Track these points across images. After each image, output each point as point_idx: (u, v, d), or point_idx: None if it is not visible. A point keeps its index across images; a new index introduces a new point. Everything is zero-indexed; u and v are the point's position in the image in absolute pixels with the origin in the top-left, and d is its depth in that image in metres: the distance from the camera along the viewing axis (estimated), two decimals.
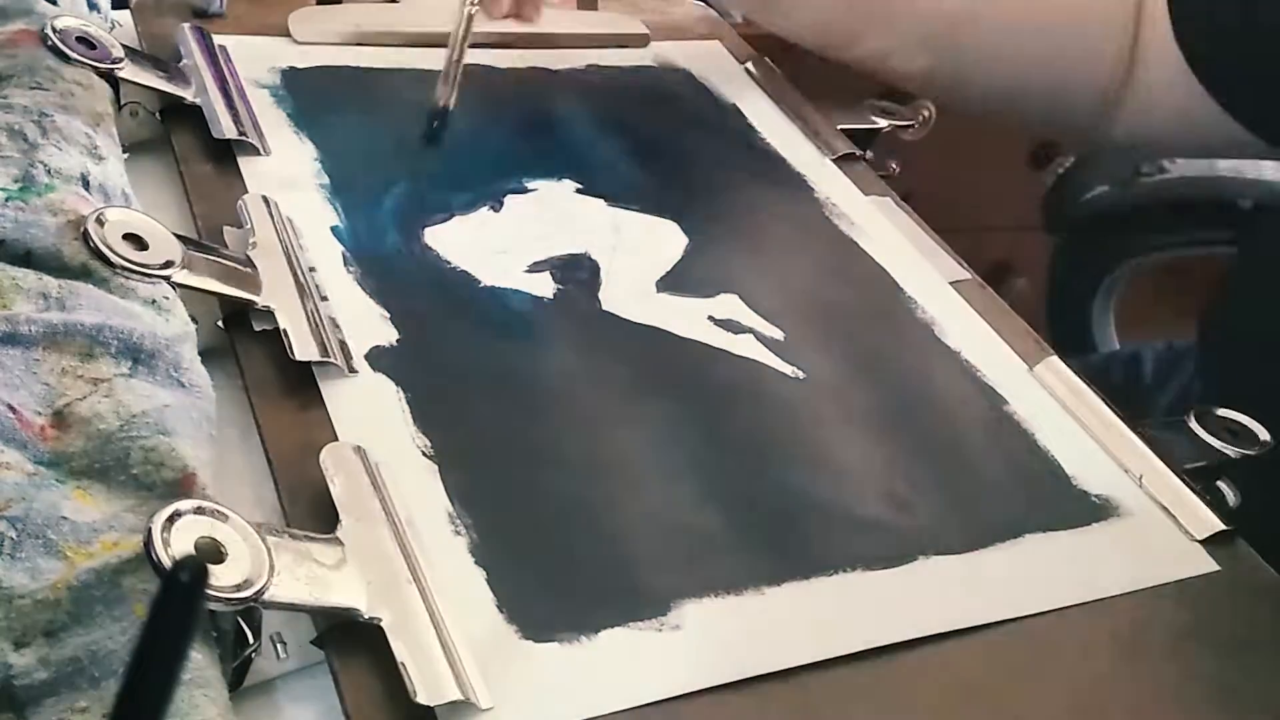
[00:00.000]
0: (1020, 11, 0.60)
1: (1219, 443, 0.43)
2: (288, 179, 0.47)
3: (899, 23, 0.60)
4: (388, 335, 0.41)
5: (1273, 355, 0.54)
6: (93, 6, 0.53)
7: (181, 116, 0.48)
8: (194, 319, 0.38)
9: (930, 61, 0.61)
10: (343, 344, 0.40)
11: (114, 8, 0.55)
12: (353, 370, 0.39)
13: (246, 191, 0.45)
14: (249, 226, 0.43)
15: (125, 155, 0.45)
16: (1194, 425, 0.44)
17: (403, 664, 0.30)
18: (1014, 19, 0.60)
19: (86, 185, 0.40)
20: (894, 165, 0.58)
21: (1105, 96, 0.61)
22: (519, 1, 0.58)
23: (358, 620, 0.30)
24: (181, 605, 0.20)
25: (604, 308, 0.45)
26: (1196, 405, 0.45)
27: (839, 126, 0.60)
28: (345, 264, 0.43)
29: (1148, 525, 0.41)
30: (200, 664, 0.28)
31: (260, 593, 0.29)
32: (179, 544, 0.28)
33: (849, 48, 0.61)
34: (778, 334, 0.46)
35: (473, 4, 0.49)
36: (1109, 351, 0.82)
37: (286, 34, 0.56)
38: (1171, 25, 0.57)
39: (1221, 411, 0.44)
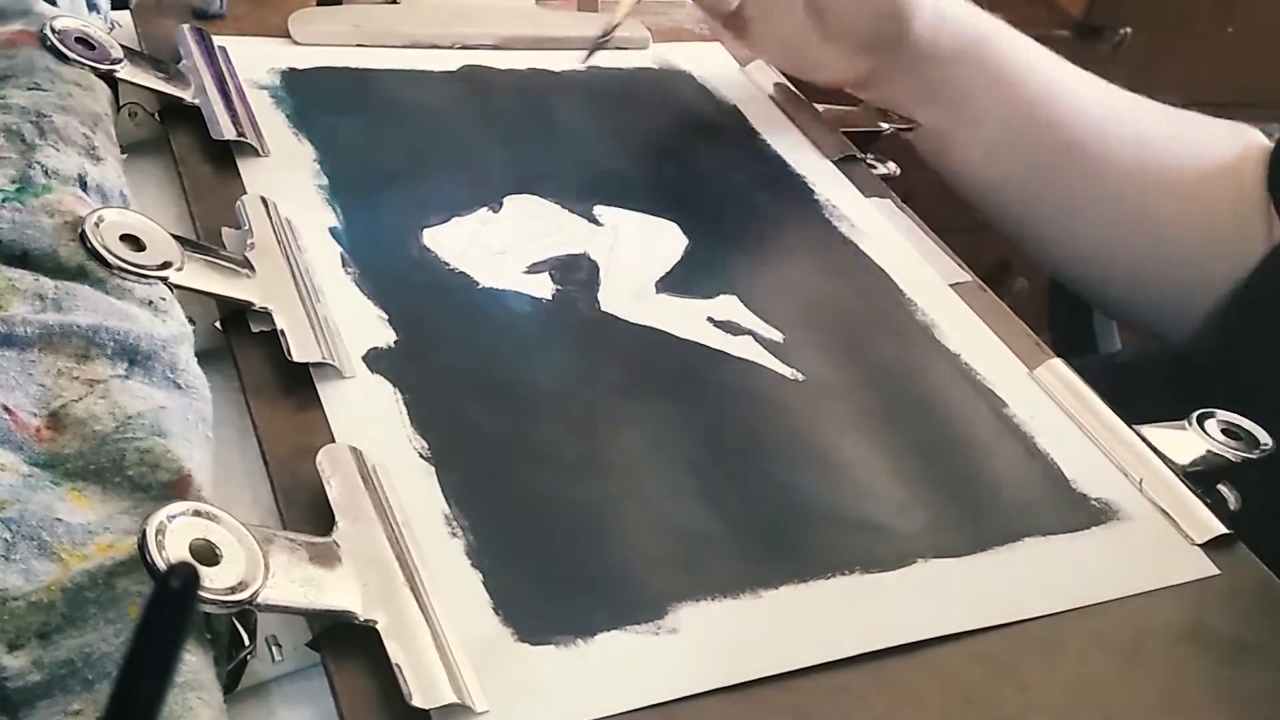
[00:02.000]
0: (1163, 182, 0.58)
1: (1220, 446, 0.43)
2: (286, 180, 0.47)
3: (1046, 149, 0.59)
4: (386, 336, 0.41)
5: (1271, 358, 0.54)
6: (92, 7, 0.53)
7: (180, 117, 0.48)
8: (191, 320, 0.38)
9: (1010, 170, 0.59)
10: (340, 345, 0.40)
11: (114, 8, 0.55)
12: (350, 372, 0.39)
13: (245, 192, 0.45)
14: (247, 227, 0.43)
15: (124, 156, 0.45)
16: (1195, 428, 0.44)
17: (398, 666, 0.30)
18: (1143, 193, 0.58)
19: (84, 186, 0.40)
20: (894, 167, 0.58)
21: (1200, 317, 0.58)
22: None
23: (353, 622, 0.30)
24: (173, 611, 0.20)
25: (603, 309, 0.45)
26: (1197, 408, 0.45)
27: (840, 129, 0.60)
28: (344, 265, 0.43)
29: (1148, 529, 0.41)
30: (195, 666, 0.28)
31: (255, 595, 0.29)
32: (173, 546, 0.28)
33: (995, 164, 0.60)
34: (777, 336, 0.45)
35: None
36: (1111, 351, 0.82)
37: (286, 35, 0.56)
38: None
39: (1222, 415, 0.44)
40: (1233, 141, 0.60)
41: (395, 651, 0.30)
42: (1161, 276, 0.60)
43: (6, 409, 0.31)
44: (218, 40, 0.53)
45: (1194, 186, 0.58)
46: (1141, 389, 0.72)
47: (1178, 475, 0.42)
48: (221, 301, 0.39)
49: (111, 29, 0.54)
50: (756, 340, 0.45)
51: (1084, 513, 0.41)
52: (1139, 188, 0.58)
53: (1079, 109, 0.58)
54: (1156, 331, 0.63)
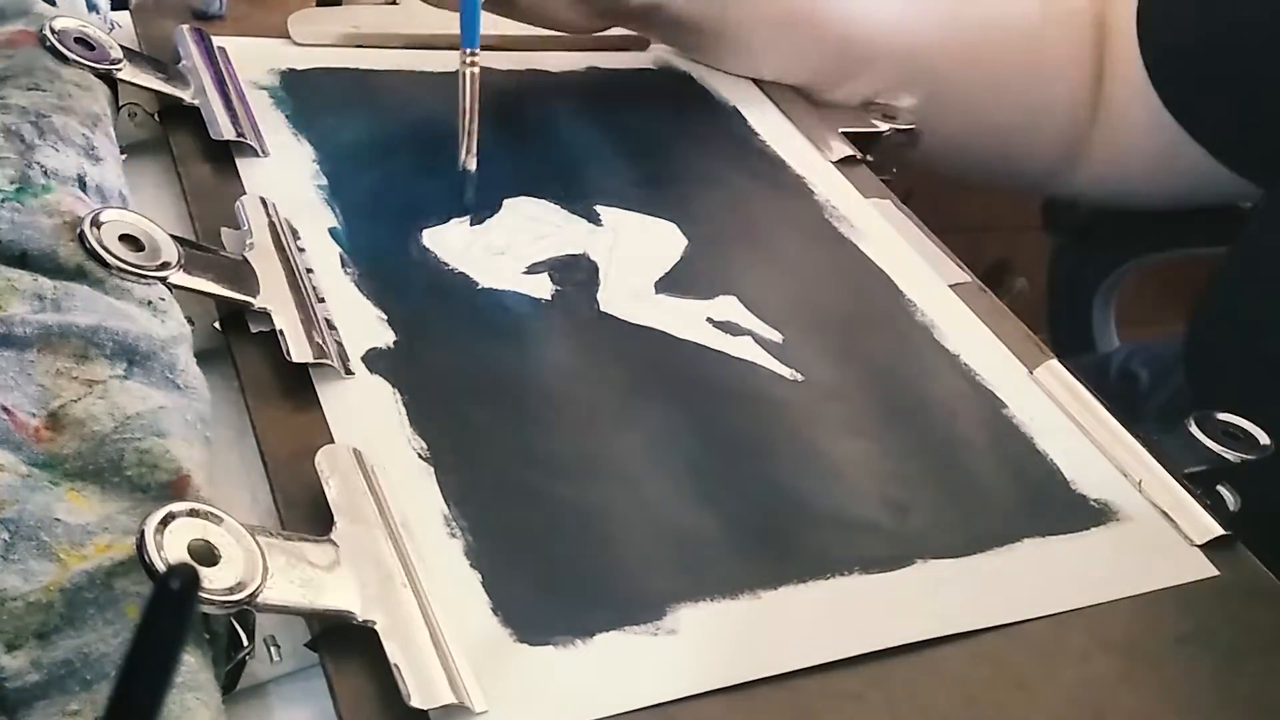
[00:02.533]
0: (984, 45, 0.60)
1: (1219, 447, 0.43)
2: (286, 180, 0.47)
3: (880, 63, 0.60)
4: (385, 337, 0.41)
5: (1267, 357, 0.54)
6: (92, 7, 0.53)
7: (180, 118, 0.48)
8: (190, 320, 0.38)
9: (915, 99, 0.61)
10: (340, 346, 0.40)
11: (113, 9, 0.55)
12: (349, 372, 0.39)
13: (244, 193, 0.45)
14: (246, 228, 0.43)
15: (123, 156, 0.45)
16: (1194, 429, 0.44)
17: (396, 667, 0.30)
18: (978, 52, 0.60)
19: (83, 186, 0.40)
20: (894, 169, 0.58)
21: (1071, 141, 0.61)
22: None
23: (352, 623, 0.30)
24: (173, 612, 0.20)
25: (602, 309, 0.45)
26: (1197, 409, 0.45)
27: (840, 130, 0.60)
28: (343, 265, 0.43)
29: (1147, 530, 0.41)
30: (193, 667, 0.28)
31: (254, 595, 0.29)
32: (172, 546, 0.28)
33: (836, 89, 0.61)
34: (776, 336, 0.45)
35: (471, 62, 0.46)
36: (1109, 351, 0.82)
37: (286, 35, 0.56)
38: (1142, 57, 0.57)
39: (1222, 415, 0.44)
40: None
41: (394, 652, 0.30)
42: (992, 129, 0.63)
43: (5, 409, 0.31)
44: (217, 41, 0.53)
45: (1003, 59, 0.60)
46: (1141, 388, 0.72)
47: (1177, 476, 0.42)
48: (220, 302, 0.39)
49: (111, 29, 0.54)
50: (756, 341, 0.45)
51: (1083, 513, 0.41)
52: (937, 59, 0.60)
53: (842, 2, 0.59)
54: (1029, 184, 0.67)
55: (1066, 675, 0.35)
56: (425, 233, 0.46)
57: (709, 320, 0.46)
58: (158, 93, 0.48)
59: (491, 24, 0.60)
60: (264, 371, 0.38)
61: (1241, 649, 0.37)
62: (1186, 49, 0.57)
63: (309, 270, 0.42)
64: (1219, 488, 0.43)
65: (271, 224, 0.43)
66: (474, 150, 0.47)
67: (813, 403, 0.43)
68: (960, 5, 0.60)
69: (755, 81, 0.62)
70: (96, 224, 0.37)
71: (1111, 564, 0.39)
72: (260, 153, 0.48)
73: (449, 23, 0.52)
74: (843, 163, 0.57)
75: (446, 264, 0.45)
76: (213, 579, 0.28)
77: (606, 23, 0.58)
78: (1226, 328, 0.57)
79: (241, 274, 0.40)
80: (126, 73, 0.47)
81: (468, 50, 0.47)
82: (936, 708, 0.34)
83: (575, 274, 0.46)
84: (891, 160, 0.60)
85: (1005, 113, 0.62)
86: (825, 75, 0.61)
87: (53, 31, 0.45)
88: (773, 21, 0.59)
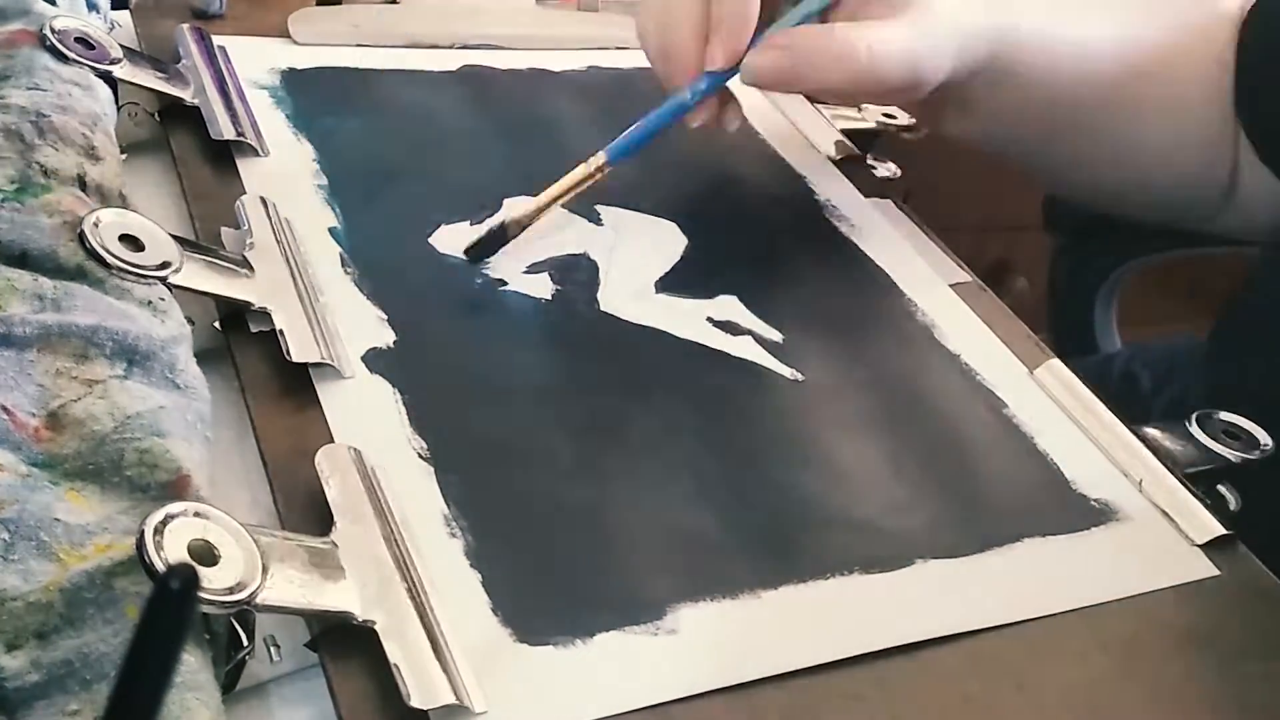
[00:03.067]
0: (1156, 104, 0.58)
1: (1220, 446, 0.43)
2: (286, 180, 0.47)
3: (1058, 113, 0.57)
4: (385, 337, 0.41)
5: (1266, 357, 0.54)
6: (92, 7, 0.53)
7: (180, 117, 0.48)
8: (190, 320, 0.38)
9: (1071, 150, 0.59)
10: (339, 346, 0.40)
11: (113, 8, 0.55)
12: (349, 372, 0.39)
13: (244, 193, 0.45)
14: (246, 228, 0.43)
15: (123, 156, 0.44)
16: (1195, 429, 0.44)
17: (396, 667, 0.30)
18: (1151, 112, 0.58)
19: (83, 186, 0.40)
20: (894, 168, 0.58)
21: (1220, 193, 0.59)
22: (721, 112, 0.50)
23: (352, 623, 0.30)
24: (173, 612, 0.20)
25: (602, 309, 0.45)
26: (1198, 408, 0.45)
27: (839, 128, 0.60)
28: (343, 265, 0.43)
29: (1148, 529, 0.41)
30: (193, 667, 0.28)
31: (253, 595, 0.29)
32: (172, 546, 0.28)
33: (1006, 140, 0.59)
34: (776, 336, 0.45)
35: (601, 169, 0.45)
36: (1111, 352, 0.82)
37: (286, 35, 0.56)
38: (1235, 103, 0.56)
39: (1223, 415, 0.44)
40: (1194, 10, 0.59)
41: (393, 652, 0.30)
42: (1151, 181, 0.61)
43: (5, 409, 0.31)
44: (217, 40, 0.53)
45: (1169, 89, 0.58)
46: (1142, 388, 0.72)
47: (1177, 476, 0.42)
48: (220, 302, 0.39)
49: (111, 29, 0.54)
50: (756, 340, 0.45)
51: (1084, 513, 0.41)
52: (1126, 118, 0.58)
53: (1086, 78, 0.56)
54: (1182, 224, 0.64)
55: (1066, 675, 0.35)
56: (426, 232, 0.46)
57: (709, 320, 0.46)
58: (158, 92, 0.48)
59: (492, 24, 0.60)
60: (264, 371, 0.38)
61: (1242, 649, 0.37)
62: (1270, 94, 0.56)
63: (309, 270, 0.42)
64: (1220, 487, 0.43)
65: (272, 224, 0.43)
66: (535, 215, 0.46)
67: (813, 402, 0.43)
68: (1151, 42, 0.57)
69: None
70: (96, 224, 0.37)
71: (1112, 564, 0.39)
72: (260, 152, 0.48)
73: (449, 22, 0.52)
74: (843, 162, 0.57)
75: (447, 263, 0.45)
76: (212, 579, 0.28)
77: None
78: (1255, 326, 0.56)
79: (241, 274, 0.40)
80: (126, 72, 0.47)
81: (605, 160, 0.46)
82: (936, 708, 0.34)
83: (576, 273, 0.46)
84: (890, 156, 0.60)
85: (1181, 152, 0.59)
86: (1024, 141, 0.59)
87: (53, 31, 0.45)
88: (1030, 86, 0.55)
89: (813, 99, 0.61)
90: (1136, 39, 0.57)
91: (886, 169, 0.58)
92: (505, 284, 0.45)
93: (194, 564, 0.28)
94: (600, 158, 0.46)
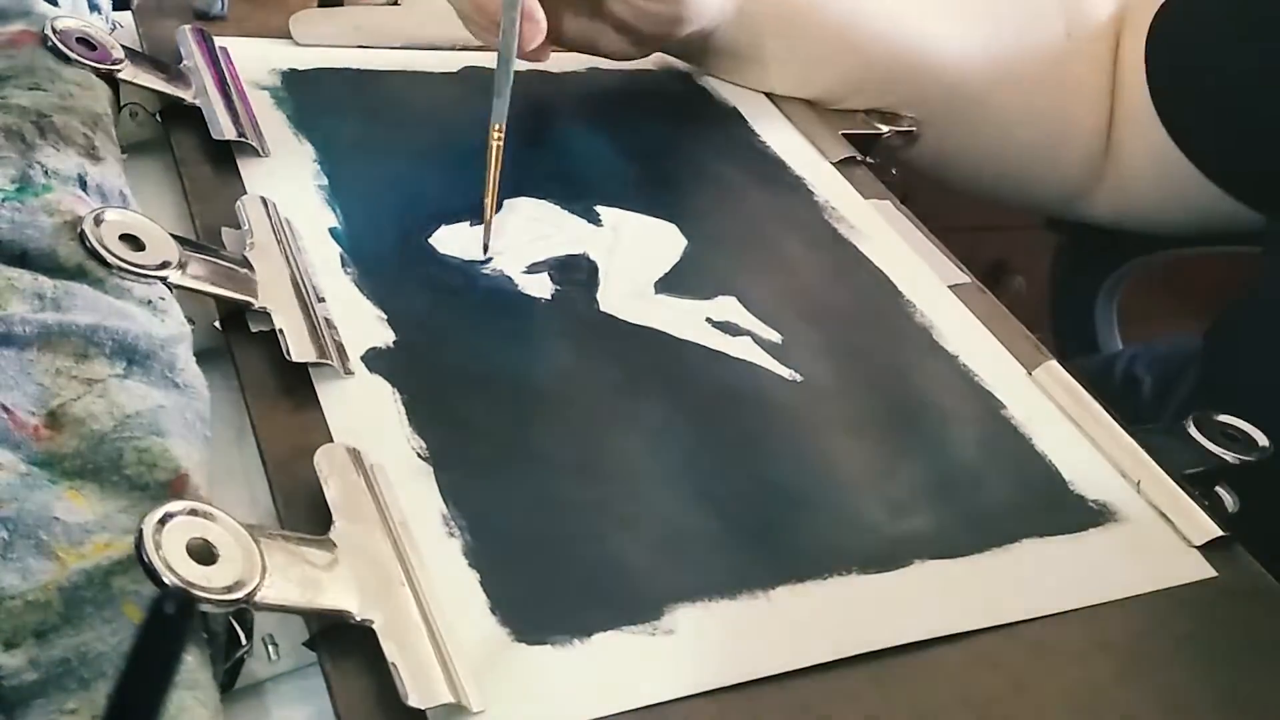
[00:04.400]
0: (1004, 77, 0.60)
1: (1218, 448, 0.43)
2: (287, 180, 0.47)
3: (910, 81, 0.60)
4: (384, 337, 0.41)
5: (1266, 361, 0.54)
6: (94, 8, 0.53)
7: (181, 118, 0.49)
8: (190, 320, 0.38)
9: (925, 119, 0.61)
10: (339, 345, 0.40)
11: (115, 9, 0.55)
12: (349, 372, 0.39)
13: (245, 193, 0.45)
14: (247, 228, 0.43)
15: (124, 156, 0.45)
16: (1193, 430, 0.44)
17: (394, 666, 0.30)
18: (999, 84, 0.60)
19: (84, 186, 0.40)
20: (893, 171, 0.58)
21: (1088, 166, 0.62)
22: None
23: (350, 622, 0.30)
24: (168, 635, 0.20)
25: (602, 309, 0.45)
26: (1197, 410, 0.45)
27: (840, 131, 0.60)
28: (343, 265, 0.44)
29: (1145, 531, 0.41)
30: (191, 666, 0.28)
31: (252, 594, 0.29)
32: (170, 545, 0.28)
33: (844, 101, 0.61)
34: (775, 337, 0.45)
35: (499, 135, 0.46)
36: (1112, 353, 0.82)
37: (287, 36, 0.56)
38: (1149, 89, 0.58)
39: (1221, 417, 0.44)
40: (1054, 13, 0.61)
41: (392, 651, 0.30)
42: (1011, 151, 0.64)
43: (5, 408, 0.31)
44: (219, 41, 0.53)
45: (1010, 58, 0.61)
46: (1143, 389, 0.72)
47: (1175, 477, 0.42)
48: (220, 301, 0.39)
49: (113, 29, 0.54)
50: (755, 341, 0.45)
51: (1082, 514, 0.41)
52: (951, 77, 0.60)
53: (873, 26, 0.59)
54: (1047, 208, 0.68)
55: (1064, 676, 0.35)
56: (426, 232, 0.46)
57: (708, 320, 0.46)
58: (159, 93, 0.48)
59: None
60: (264, 371, 0.38)
61: (1239, 650, 0.37)
62: (1191, 85, 0.57)
63: (309, 270, 0.42)
64: (1218, 489, 0.43)
65: (272, 224, 0.43)
66: (493, 208, 0.46)
67: (812, 403, 0.43)
68: (992, 26, 0.61)
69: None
70: (97, 223, 0.38)
71: (1110, 565, 0.39)
72: (261, 153, 0.48)
73: (450, 23, 0.52)
74: (843, 163, 0.57)
75: (446, 264, 0.45)
76: (211, 578, 0.28)
77: (649, 50, 0.59)
78: (1257, 327, 0.57)
79: (242, 273, 0.40)
80: (128, 73, 0.47)
81: (496, 125, 0.46)
82: (935, 708, 0.34)
83: (575, 274, 0.46)
84: (891, 161, 0.60)
85: (1030, 136, 0.63)
86: (855, 92, 0.61)
87: (54, 31, 0.45)
88: (812, 45, 0.59)
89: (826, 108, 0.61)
90: (977, 21, 0.60)
91: (886, 172, 0.58)
92: (505, 284, 0.45)
93: (189, 585, 0.28)
94: (495, 127, 0.47)
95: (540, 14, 0.49)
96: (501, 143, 0.46)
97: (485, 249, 0.46)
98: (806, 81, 0.60)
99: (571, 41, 0.56)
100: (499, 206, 0.48)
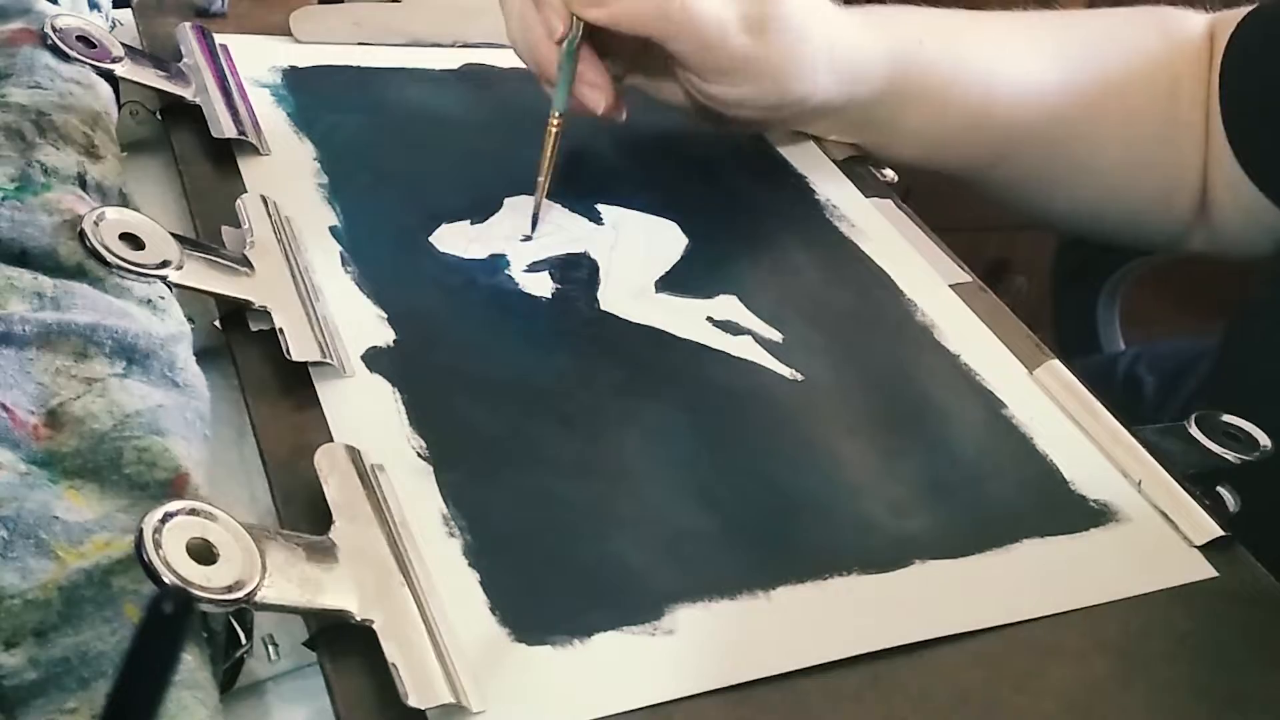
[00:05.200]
0: (1115, 125, 0.59)
1: (1219, 448, 0.43)
2: (287, 179, 0.47)
3: (997, 135, 0.59)
4: (385, 336, 0.41)
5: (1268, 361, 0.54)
6: (93, 5, 0.53)
7: (181, 116, 0.48)
8: (190, 319, 0.38)
9: (1020, 174, 0.61)
10: (339, 344, 0.40)
11: (115, 6, 0.55)
12: (349, 371, 0.39)
13: (245, 191, 0.45)
14: (247, 226, 0.43)
15: (124, 154, 0.45)
16: (1194, 430, 0.44)
17: (394, 666, 0.30)
18: (1109, 133, 0.59)
19: (84, 185, 0.40)
20: (892, 174, 0.58)
21: (1190, 211, 0.60)
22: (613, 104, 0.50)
23: (350, 622, 0.30)
24: (166, 635, 0.20)
25: (603, 308, 0.45)
26: (1198, 410, 0.45)
27: None
28: (343, 264, 0.43)
29: (1146, 531, 0.41)
30: (191, 665, 0.28)
31: (252, 594, 0.29)
32: (170, 545, 0.28)
33: (937, 159, 0.60)
34: (776, 336, 0.45)
35: (556, 121, 0.47)
36: (1114, 352, 0.82)
37: (288, 33, 0.56)
38: (1224, 125, 0.57)
39: (1223, 416, 0.44)
40: (1154, 44, 0.60)
41: (391, 651, 0.30)
42: (1106, 212, 0.63)
43: (4, 407, 0.31)
44: (219, 38, 0.53)
45: (1122, 119, 0.60)
46: (1144, 389, 0.72)
47: (1176, 477, 0.42)
48: (220, 300, 0.39)
49: (113, 27, 0.54)
50: (756, 340, 0.45)
51: (1082, 514, 0.41)
52: (1073, 144, 0.59)
53: (1011, 100, 0.58)
54: (1151, 246, 0.68)
55: (1064, 676, 0.35)
56: (426, 232, 0.46)
57: (709, 319, 0.46)
58: (159, 91, 0.48)
59: (493, 22, 0.60)
60: (264, 370, 0.38)
61: (1240, 650, 0.37)
62: (1261, 116, 0.57)
63: (309, 269, 0.42)
64: (1219, 489, 0.42)
65: (272, 222, 0.43)
66: (543, 192, 0.48)
67: (813, 402, 0.43)
68: (1101, 65, 0.59)
69: None
70: (97, 222, 0.38)
71: (1110, 565, 0.39)
72: (261, 151, 0.48)
73: (450, 21, 0.52)
74: (843, 162, 0.57)
75: (447, 262, 0.45)
76: (211, 577, 0.28)
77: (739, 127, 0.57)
78: (1263, 328, 0.57)
79: (242, 272, 0.40)
80: (128, 71, 0.47)
81: (556, 113, 0.48)
82: (934, 708, 0.34)
83: (576, 272, 0.46)
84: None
85: (1139, 189, 0.61)
86: (944, 148, 0.59)
87: (54, 29, 0.45)
88: (953, 119, 0.57)
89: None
90: (1082, 67, 0.59)
91: (884, 174, 0.58)
92: (506, 283, 0.45)
93: (189, 584, 0.28)
94: (555, 116, 0.48)
95: (601, 78, 0.48)
96: (558, 129, 0.48)
97: (533, 227, 0.47)
98: (935, 153, 0.59)
99: (641, 86, 0.54)
100: (499, 205, 0.48)
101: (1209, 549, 0.40)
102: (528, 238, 0.47)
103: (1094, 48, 0.60)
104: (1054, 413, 0.45)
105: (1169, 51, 0.60)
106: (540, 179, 0.48)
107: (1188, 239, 0.62)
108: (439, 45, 0.58)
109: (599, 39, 0.48)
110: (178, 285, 0.38)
